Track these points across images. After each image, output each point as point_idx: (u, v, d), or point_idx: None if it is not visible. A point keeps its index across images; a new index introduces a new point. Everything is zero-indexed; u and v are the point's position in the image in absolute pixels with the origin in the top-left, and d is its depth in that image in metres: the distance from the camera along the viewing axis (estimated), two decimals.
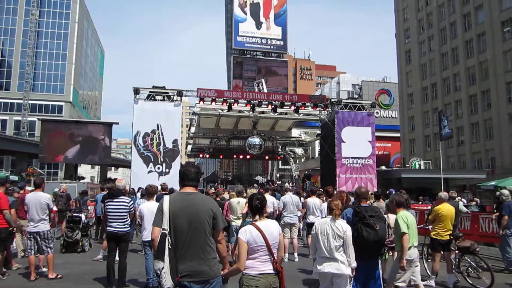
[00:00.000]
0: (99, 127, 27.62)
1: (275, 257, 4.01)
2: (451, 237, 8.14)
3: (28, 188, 13.03)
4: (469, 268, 8.25)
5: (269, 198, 10.84)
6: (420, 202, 20.16)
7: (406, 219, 5.87)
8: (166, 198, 3.71)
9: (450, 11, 47.93)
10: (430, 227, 8.43)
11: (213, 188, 18.25)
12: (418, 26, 53.23)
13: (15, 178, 30.80)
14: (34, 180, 9.31)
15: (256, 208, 4.22)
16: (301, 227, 13.63)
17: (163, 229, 3.57)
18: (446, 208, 8.06)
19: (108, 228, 7.68)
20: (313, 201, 10.97)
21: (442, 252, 8.21)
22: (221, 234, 3.79)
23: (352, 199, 8.44)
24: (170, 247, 3.52)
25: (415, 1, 53.89)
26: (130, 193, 12.72)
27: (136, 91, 22.84)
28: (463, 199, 19.02)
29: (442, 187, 19.27)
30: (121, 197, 7.73)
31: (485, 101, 42.79)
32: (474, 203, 19.17)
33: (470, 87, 44.45)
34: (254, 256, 3.97)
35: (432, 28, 50.66)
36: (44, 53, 62.69)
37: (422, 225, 8.89)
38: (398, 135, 55.80)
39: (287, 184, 33.10)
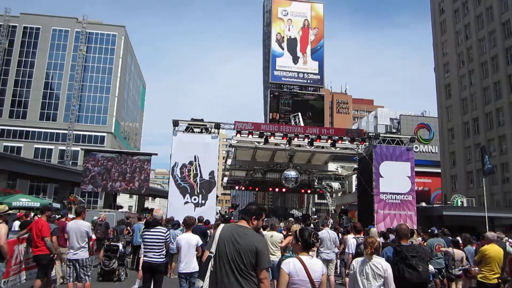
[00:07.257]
0: (139, 157, 28.48)
1: None
2: (500, 280, 7.67)
3: (69, 216, 13.39)
4: None
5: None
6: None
7: None
8: (221, 226, 4.00)
9: (491, 45, 46.88)
10: (476, 269, 7.99)
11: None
12: (458, 60, 52.28)
13: (58, 205, 31.86)
14: (75, 208, 9.58)
15: (308, 244, 4.13)
16: (339, 263, 13.26)
17: (211, 252, 3.80)
18: (493, 249, 7.63)
19: (144, 258, 7.68)
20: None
21: None
22: (265, 273, 3.70)
23: (392, 237, 8.17)
24: (212, 270, 3.71)
25: (455, 36, 53.19)
26: (174, 225, 12.52)
27: (175, 123, 23.37)
28: (510, 240, 18.02)
29: (487, 226, 18.38)
30: (158, 227, 7.75)
31: None
32: None
33: None
34: None
35: (473, 62, 49.58)
36: (90, 86, 65.65)
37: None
38: (438, 170, 53.92)
39: (330, 219, 32.23)
